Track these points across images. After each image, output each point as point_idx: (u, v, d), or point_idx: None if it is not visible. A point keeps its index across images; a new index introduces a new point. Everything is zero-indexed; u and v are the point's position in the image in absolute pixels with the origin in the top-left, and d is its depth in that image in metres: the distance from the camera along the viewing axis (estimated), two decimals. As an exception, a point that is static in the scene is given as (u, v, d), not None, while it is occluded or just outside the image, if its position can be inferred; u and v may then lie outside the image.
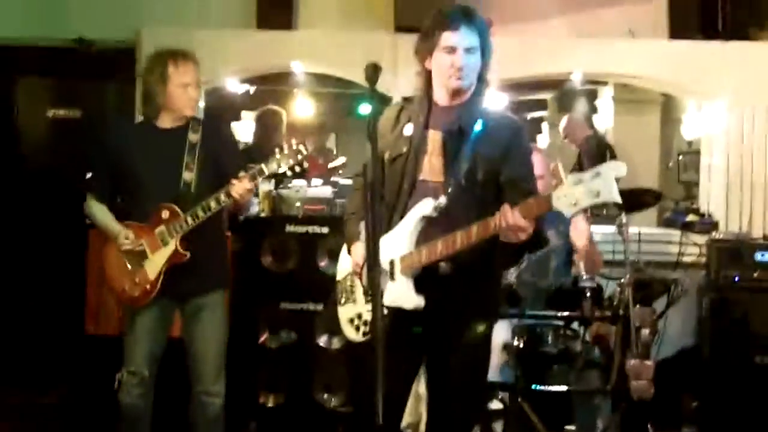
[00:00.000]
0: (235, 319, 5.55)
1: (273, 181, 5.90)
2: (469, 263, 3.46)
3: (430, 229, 3.47)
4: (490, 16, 6.90)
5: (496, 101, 8.70)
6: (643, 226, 6.78)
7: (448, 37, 3.51)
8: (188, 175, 4.40)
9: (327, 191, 6.10)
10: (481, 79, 3.65)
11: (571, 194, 3.09)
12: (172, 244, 4.36)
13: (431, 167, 3.56)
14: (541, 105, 12.21)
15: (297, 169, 4.23)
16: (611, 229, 5.53)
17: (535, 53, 6.92)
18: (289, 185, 5.97)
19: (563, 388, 4.39)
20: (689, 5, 7.11)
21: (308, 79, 8.36)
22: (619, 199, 3.05)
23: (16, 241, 6.55)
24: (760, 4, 6.72)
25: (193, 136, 4.47)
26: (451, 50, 3.50)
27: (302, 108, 10.40)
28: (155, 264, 4.39)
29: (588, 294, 4.42)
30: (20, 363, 6.01)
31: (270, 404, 5.70)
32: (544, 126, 11.99)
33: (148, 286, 4.40)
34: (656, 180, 9.55)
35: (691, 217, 6.82)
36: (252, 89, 9.08)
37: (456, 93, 3.58)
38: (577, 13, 7.09)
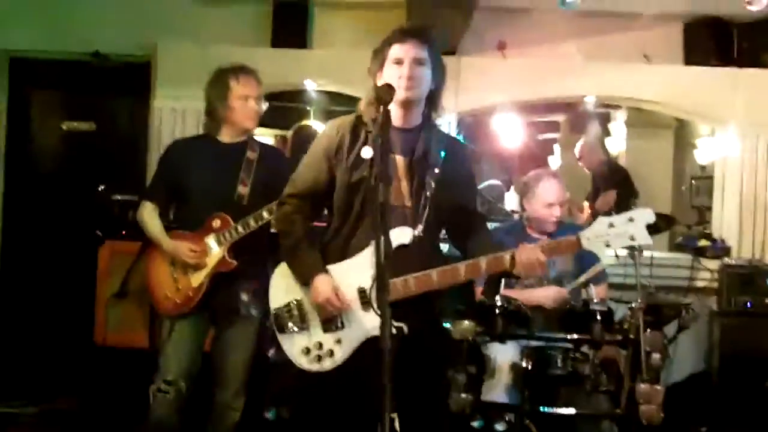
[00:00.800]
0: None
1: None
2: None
3: (404, 258, 3.34)
4: (505, 39, 7.00)
5: (510, 121, 8.78)
6: (655, 250, 6.77)
7: (396, 50, 3.46)
8: (242, 189, 4.44)
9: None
10: (434, 103, 3.61)
11: (603, 236, 3.24)
12: (221, 252, 4.40)
13: (396, 192, 3.45)
14: (554, 127, 12.21)
15: None
16: (623, 252, 5.53)
17: (549, 76, 6.95)
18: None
19: (571, 411, 4.34)
20: (704, 31, 7.12)
21: (321, 98, 8.40)
22: (651, 243, 3.31)
23: (28, 251, 6.57)
24: (774, 32, 6.74)
25: (251, 154, 4.52)
26: (399, 61, 3.45)
27: (315, 126, 10.44)
28: (201, 272, 4.43)
29: (599, 317, 4.37)
30: (30, 372, 6.00)
31: (273, 418, 5.67)
32: (556, 147, 11.99)
33: (190, 293, 4.42)
34: (669, 204, 9.53)
35: (703, 242, 6.80)
36: (265, 105, 9.12)
37: (406, 106, 3.49)
38: (592, 36, 7.09)
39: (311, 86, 7.30)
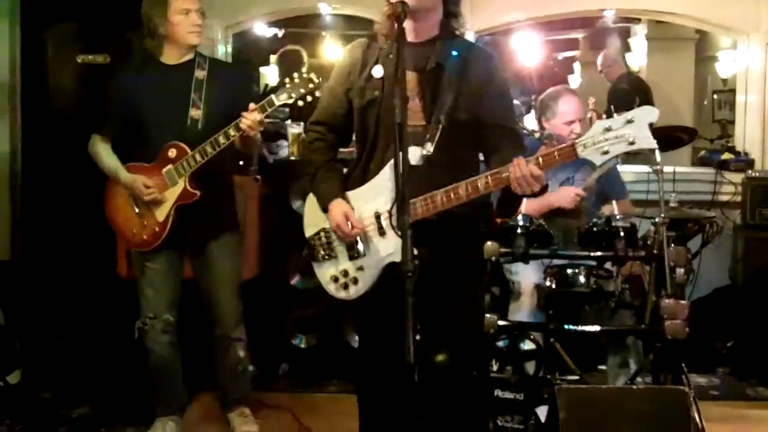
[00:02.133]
0: (265, 262, 5.60)
1: (302, 124, 5.85)
2: (459, 212, 3.22)
3: (417, 179, 3.05)
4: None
5: (528, 40, 8.67)
6: (677, 165, 6.71)
7: None
8: (195, 113, 4.29)
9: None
10: (451, 11, 3.37)
11: (600, 142, 2.90)
12: (181, 183, 4.26)
13: (409, 110, 3.13)
14: (573, 44, 12.08)
15: (308, 98, 4.03)
16: (645, 168, 5.49)
17: (568, -10, 6.81)
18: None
19: (596, 328, 4.34)
20: (726, -61, 6.94)
21: (337, 22, 8.30)
22: (656, 146, 2.93)
23: (48, 188, 6.58)
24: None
25: (200, 73, 4.35)
26: None
27: (331, 51, 10.34)
28: (164, 205, 4.31)
29: (622, 233, 4.35)
30: (58, 307, 6.04)
31: (302, 345, 5.71)
32: (576, 66, 11.88)
33: (157, 228, 4.32)
34: (691, 119, 9.47)
35: (726, 156, 6.71)
36: (280, 33, 9.04)
37: (416, 17, 3.23)
38: (611, -52, 6.95)
39: (326, 10, 7.19)
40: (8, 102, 6.85)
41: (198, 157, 4.20)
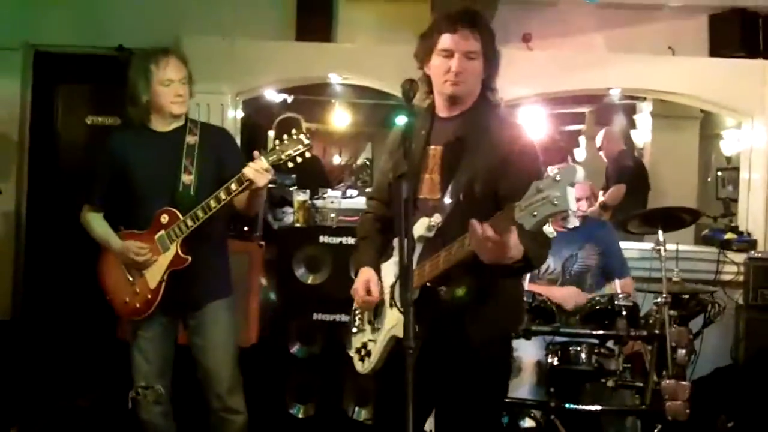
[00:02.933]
0: (267, 329, 5.59)
1: (308, 191, 5.89)
2: (474, 285, 3.18)
3: (426, 250, 3.16)
4: (530, 31, 6.98)
5: (535, 113, 8.76)
6: (681, 243, 6.73)
7: (445, 40, 3.24)
8: (187, 178, 4.24)
9: (362, 202, 6.08)
10: (486, 88, 3.36)
11: (532, 205, 2.65)
12: (173, 249, 4.18)
13: (430, 184, 3.28)
14: (580, 118, 12.17)
15: (298, 159, 3.98)
16: (648, 245, 5.51)
17: (574, 68, 6.91)
18: (324, 196, 5.95)
19: (596, 407, 4.33)
20: (730, 23, 7.05)
21: (346, 90, 8.39)
22: (573, 207, 2.57)
23: (52, 246, 6.61)
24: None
25: (191, 138, 4.32)
26: (448, 53, 3.24)
27: (339, 118, 10.45)
28: (156, 272, 4.23)
29: (624, 312, 4.37)
30: (55, 366, 6.03)
31: (300, 415, 5.68)
32: (581, 139, 11.95)
33: (149, 295, 4.23)
34: (694, 196, 9.48)
35: (729, 235, 6.74)
36: (290, 98, 9.15)
37: (452, 101, 3.29)
38: (617, 28, 7.06)
39: (336, 79, 7.28)
40: (16, 162, 6.91)
41: (189, 222, 4.15)
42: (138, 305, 4.28)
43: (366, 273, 3.39)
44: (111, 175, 4.35)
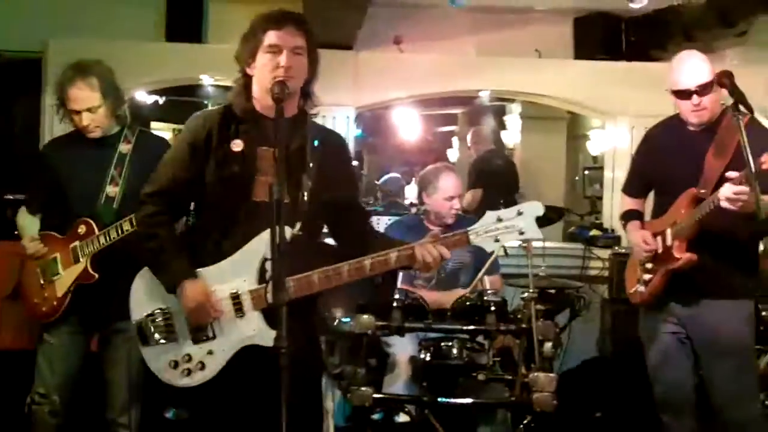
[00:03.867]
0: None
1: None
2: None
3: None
4: (402, 34, 7.08)
5: (408, 115, 8.89)
6: (549, 240, 6.91)
7: (272, 36, 3.18)
8: (112, 190, 4.12)
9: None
10: (308, 93, 3.36)
11: (492, 231, 3.17)
12: (83, 263, 4.08)
13: (266, 187, 3.07)
14: (453, 120, 12.37)
15: None
16: (516, 243, 5.65)
17: (445, 71, 7.04)
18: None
19: (468, 400, 4.42)
20: (593, 26, 7.30)
21: (219, 92, 8.35)
22: (541, 237, 3.26)
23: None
24: (661, 27, 6.91)
25: (124, 147, 4.20)
26: (276, 49, 3.18)
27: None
28: (65, 281, 4.14)
29: (493, 308, 4.47)
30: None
31: (174, 419, 5.61)
32: (454, 140, 12.16)
33: (55, 303, 4.15)
34: (563, 194, 9.74)
35: (594, 232, 6.97)
36: (161, 100, 9.05)
37: (280, 99, 3.13)
38: (486, 32, 7.21)
39: (208, 81, 7.25)
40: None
41: (102, 240, 4.04)
42: (44, 309, 4.20)
43: (199, 285, 3.18)
44: (45, 182, 4.25)
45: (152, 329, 3.29)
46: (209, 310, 3.17)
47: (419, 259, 3.16)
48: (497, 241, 3.17)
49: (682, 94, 3.99)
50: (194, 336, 3.24)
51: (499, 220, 3.16)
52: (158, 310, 3.29)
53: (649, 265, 4.18)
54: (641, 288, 4.22)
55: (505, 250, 5.48)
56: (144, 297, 3.33)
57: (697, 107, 3.95)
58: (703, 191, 3.91)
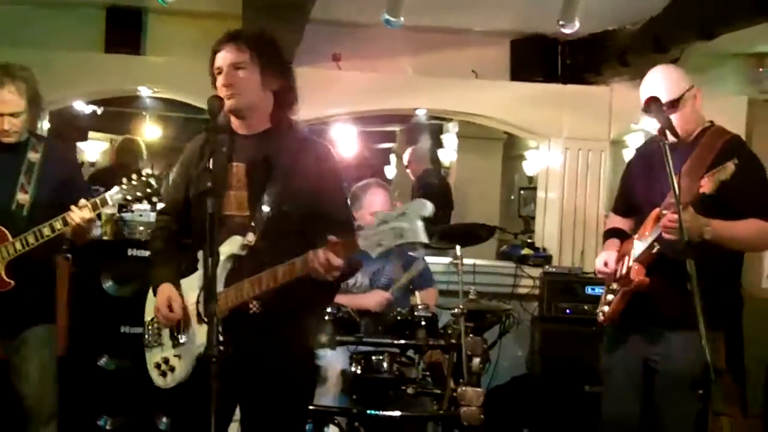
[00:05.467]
0: (73, 342, 5.50)
1: (116, 205, 5.82)
2: (281, 302, 3.28)
3: (239, 268, 3.28)
4: (340, 51, 7.14)
5: (347, 131, 8.93)
6: (482, 258, 7.02)
7: (215, 59, 3.37)
8: (22, 197, 4.12)
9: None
10: (283, 103, 3.46)
11: (377, 234, 2.97)
12: None
13: (236, 201, 3.34)
14: (391, 137, 12.45)
15: (145, 202, 4.04)
16: (447, 260, 5.74)
17: (382, 89, 7.11)
18: (133, 209, 5.88)
19: (397, 413, 4.47)
20: (529, 48, 7.38)
21: (157, 103, 8.34)
22: (425, 239, 2.93)
23: None
24: (597, 51, 7.04)
25: (33, 155, 4.20)
26: (219, 70, 3.35)
27: (150, 131, 10.36)
28: None
29: (423, 323, 4.54)
30: None
31: (108, 427, 5.62)
32: (392, 157, 12.22)
33: None
34: (498, 214, 9.84)
35: (526, 251, 7.07)
36: (99, 110, 9.02)
37: (238, 115, 3.36)
38: (424, 51, 7.26)
39: (146, 92, 7.25)
40: None
41: (18, 246, 4.03)
42: None
43: (167, 290, 3.38)
44: None
45: (149, 333, 3.53)
46: (164, 312, 3.35)
47: (312, 266, 3.14)
48: (380, 245, 2.95)
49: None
50: (173, 340, 3.42)
51: (384, 222, 2.96)
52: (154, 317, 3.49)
53: (613, 286, 4.13)
54: (605, 308, 4.16)
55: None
56: (150, 303, 3.53)
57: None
58: (665, 212, 3.79)
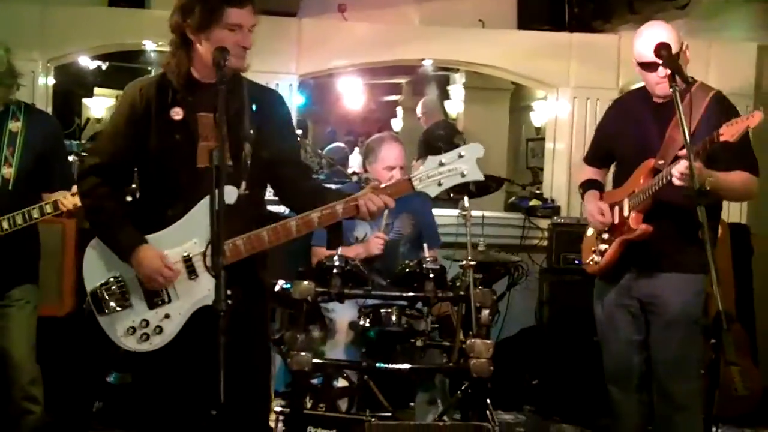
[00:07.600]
0: (81, 300, 5.43)
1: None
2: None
3: (230, 219, 3.04)
4: (346, 1, 7.07)
5: (353, 84, 8.89)
6: (491, 210, 6.99)
7: (234, 15, 3.23)
8: (6, 171, 3.99)
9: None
10: None
11: (435, 176, 3.25)
12: None
13: (207, 153, 3.14)
14: (397, 89, 12.39)
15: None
16: (455, 212, 5.72)
17: (389, 40, 7.04)
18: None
19: (406, 366, 4.47)
20: (538, -2, 7.33)
21: (161, 57, 8.27)
22: (482, 177, 3.33)
23: None
24: (605, -1, 7.01)
25: (14, 125, 4.05)
26: (237, 27, 3.24)
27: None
28: None
29: (431, 275, 4.52)
30: None
31: (116, 383, 5.61)
32: (399, 110, 12.17)
33: None
34: (505, 166, 9.82)
35: (534, 202, 7.04)
36: (104, 65, 8.96)
37: (221, 65, 3.16)
38: (431, 2, 7.23)
39: (151, 46, 7.19)
40: None
41: (5, 225, 3.95)
42: None
43: (153, 250, 3.26)
44: None
45: (107, 298, 3.35)
46: (167, 272, 3.25)
47: (363, 209, 3.25)
48: (440, 185, 3.25)
49: (648, 66, 3.95)
50: (150, 301, 3.32)
51: (441, 164, 3.24)
52: (112, 279, 3.35)
53: (605, 236, 4.21)
54: (597, 258, 4.26)
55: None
56: (97, 266, 3.39)
57: (662, 79, 3.88)
58: (661, 162, 3.92)
